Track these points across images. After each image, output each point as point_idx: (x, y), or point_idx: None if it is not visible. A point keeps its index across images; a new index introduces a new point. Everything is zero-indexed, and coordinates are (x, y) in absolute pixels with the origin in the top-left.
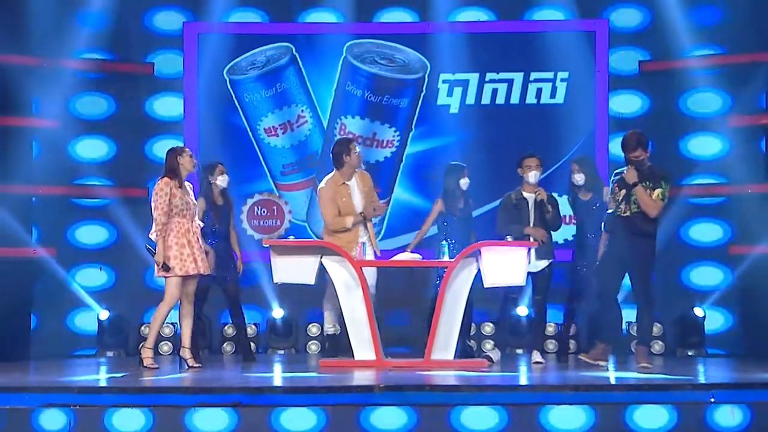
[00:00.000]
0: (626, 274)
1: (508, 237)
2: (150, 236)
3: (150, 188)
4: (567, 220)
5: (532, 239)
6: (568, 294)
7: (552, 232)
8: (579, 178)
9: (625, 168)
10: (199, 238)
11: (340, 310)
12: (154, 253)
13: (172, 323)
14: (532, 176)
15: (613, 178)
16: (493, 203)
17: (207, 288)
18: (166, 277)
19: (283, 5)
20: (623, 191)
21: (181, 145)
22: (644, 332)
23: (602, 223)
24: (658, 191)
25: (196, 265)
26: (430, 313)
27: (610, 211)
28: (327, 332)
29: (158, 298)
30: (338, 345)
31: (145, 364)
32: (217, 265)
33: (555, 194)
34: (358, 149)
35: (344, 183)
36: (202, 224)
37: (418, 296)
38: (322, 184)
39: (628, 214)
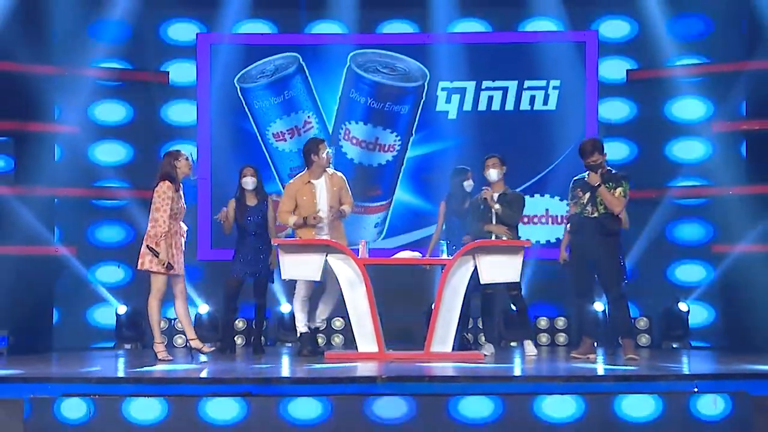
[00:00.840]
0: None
1: (500, 236)
2: (149, 234)
3: None
4: (556, 220)
5: (494, 236)
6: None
7: (511, 228)
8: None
9: (585, 174)
10: (183, 241)
11: (309, 309)
12: (157, 253)
13: None
14: (489, 174)
15: (572, 184)
16: None
17: (239, 285)
18: (151, 272)
19: (291, 17)
20: (587, 194)
21: (193, 148)
22: (626, 326)
23: (566, 225)
24: (619, 190)
25: (177, 265)
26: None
27: (575, 212)
28: (300, 331)
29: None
30: (313, 342)
31: (159, 358)
32: (248, 260)
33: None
34: (328, 150)
35: (310, 181)
36: (186, 227)
37: (419, 293)
38: (291, 180)
39: (596, 215)
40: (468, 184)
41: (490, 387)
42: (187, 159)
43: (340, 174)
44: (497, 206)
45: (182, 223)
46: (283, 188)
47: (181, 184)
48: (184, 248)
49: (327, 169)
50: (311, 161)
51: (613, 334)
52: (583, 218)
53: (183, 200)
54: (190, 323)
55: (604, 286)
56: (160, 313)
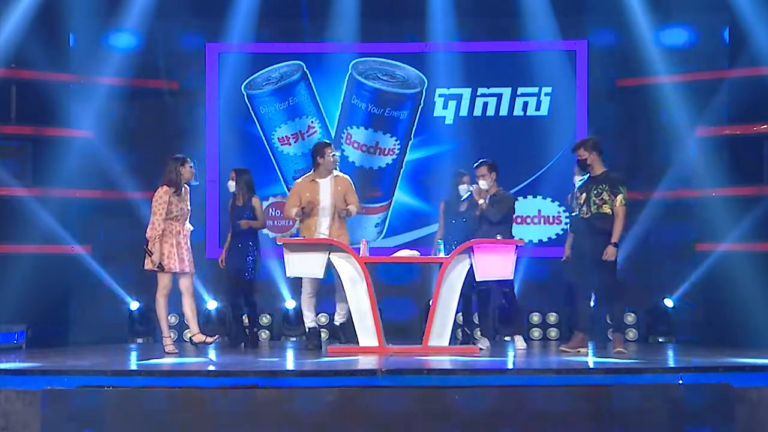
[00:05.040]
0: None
1: (498, 236)
2: (146, 236)
3: None
4: (548, 221)
5: (499, 236)
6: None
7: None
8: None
9: (587, 176)
10: (188, 240)
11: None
12: (152, 253)
13: None
14: (480, 184)
15: (578, 185)
16: None
17: (236, 281)
18: (156, 272)
19: (296, 27)
20: (584, 195)
21: (203, 153)
22: (616, 320)
23: (568, 225)
24: (620, 197)
25: (182, 264)
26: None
27: (574, 213)
28: (308, 326)
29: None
30: (318, 337)
31: (167, 351)
32: (235, 258)
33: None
34: (335, 153)
35: (314, 180)
36: (192, 227)
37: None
38: (297, 180)
39: (588, 215)
40: (462, 188)
41: (486, 379)
42: (191, 166)
43: (346, 176)
44: (481, 201)
45: (188, 224)
46: (289, 189)
47: (187, 188)
48: (189, 248)
49: (333, 171)
50: (318, 163)
51: (605, 328)
52: (579, 218)
53: (186, 203)
54: (193, 319)
55: (598, 283)
56: (166, 308)
